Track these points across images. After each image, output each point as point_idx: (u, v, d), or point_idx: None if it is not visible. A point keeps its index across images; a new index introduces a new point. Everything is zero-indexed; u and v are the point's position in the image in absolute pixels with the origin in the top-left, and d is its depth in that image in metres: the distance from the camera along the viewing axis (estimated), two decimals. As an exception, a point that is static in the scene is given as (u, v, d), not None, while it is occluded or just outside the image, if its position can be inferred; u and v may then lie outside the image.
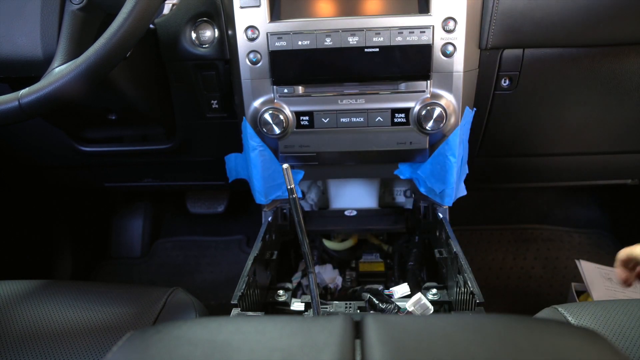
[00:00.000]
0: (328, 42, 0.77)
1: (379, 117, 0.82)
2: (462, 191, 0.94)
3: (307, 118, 0.83)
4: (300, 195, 0.99)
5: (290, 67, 0.79)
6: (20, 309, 0.74)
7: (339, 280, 1.11)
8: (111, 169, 1.19)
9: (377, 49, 0.77)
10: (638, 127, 0.93)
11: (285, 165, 0.68)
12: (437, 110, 0.80)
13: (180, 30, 0.84)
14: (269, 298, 0.82)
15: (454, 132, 0.83)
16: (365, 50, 0.77)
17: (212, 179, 1.19)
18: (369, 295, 0.81)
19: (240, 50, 0.79)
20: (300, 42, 0.77)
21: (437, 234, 0.94)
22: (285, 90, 0.82)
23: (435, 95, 0.80)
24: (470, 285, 0.69)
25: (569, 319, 0.68)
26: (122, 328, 0.72)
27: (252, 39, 0.78)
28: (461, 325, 0.35)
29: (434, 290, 0.82)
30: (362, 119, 0.83)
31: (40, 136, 1.03)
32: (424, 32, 0.76)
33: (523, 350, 0.32)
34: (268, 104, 0.82)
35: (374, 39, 0.76)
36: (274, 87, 0.82)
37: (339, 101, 0.82)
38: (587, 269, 1.12)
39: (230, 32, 0.82)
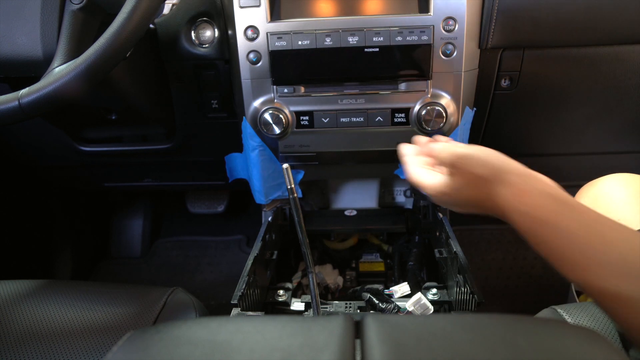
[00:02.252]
0: (328, 42, 0.77)
1: (379, 117, 0.82)
2: (462, 191, 0.94)
3: (307, 118, 0.83)
4: (300, 195, 0.99)
5: (290, 67, 0.79)
6: (20, 309, 0.74)
7: (339, 280, 1.11)
8: (111, 168, 1.19)
9: (377, 49, 0.77)
10: (638, 127, 0.93)
11: (285, 165, 0.68)
12: (437, 110, 0.80)
13: (180, 30, 0.84)
14: (269, 298, 0.82)
15: (454, 132, 0.83)
16: (365, 50, 0.77)
17: (212, 179, 1.19)
18: (369, 295, 0.81)
19: (240, 50, 0.79)
20: (300, 42, 0.77)
21: (437, 233, 0.93)
22: (285, 90, 0.82)
23: (435, 95, 0.80)
24: (470, 285, 0.69)
25: (568, 319, 0.68)
26: (122, 328, 0.72)
27: (252, 39, 0.78)
28: (461, 325, 0.35)
29: (434, 290, 0.82)
30: (362, 119, 0.83)
31: (40, 136, 1.03)
32: (423, 31, 0.76)
33: (523, 350, 0.32)
34: (268, 104, 0.82)
35: (374, 39, 0.76)
36: (274, 87, 0.82)
37: (339, 101, 0.82)
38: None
39: (230, 32, 0.82)
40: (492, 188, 0.52)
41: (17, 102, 0.62)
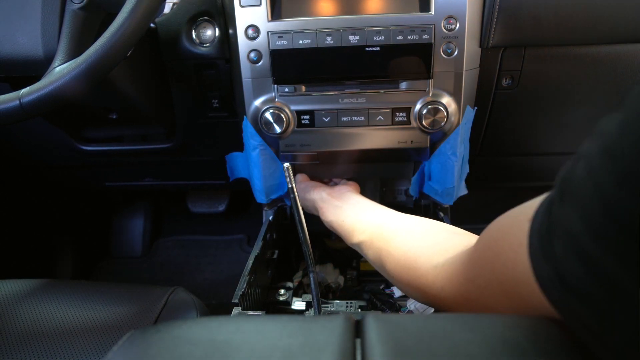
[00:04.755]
0: (329, 41, 0.77)
1: (379, 116, 0.82)
2: (463, 190, 0.94)
3: (307, 117, 0.83)
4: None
5: (291, 66, 0.79)
6: (20, 309, 0.74)
7: (340, 280, 1.11)
8: (112, 168, 1.19)
9: (378, 48, 0.77)
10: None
11: (286, 165, 0.68)
12: (438, 109, 0.80)
13: (180, 29, 0.84)
14: (270, 297, 0.82)
15: (455, 131, 0.83)
16: (366, 49, 0.77)
17: (212, 178, 1.19)
18: (369, 294, 0.81)
19: (240, 49, 0.79)
20: (300, 41, 0.77)
21: (438, 233, 0.93)
22: (286, 89, 0.82)
23: (436, 94, 0.80)
24: (471, 284, 0.68)
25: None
26: (123, 327, 0.72)
27: (252, 38, 0.78)
28: (461, 324, 0.35)
29: (435, 290, 0.82)
30: (362, 118, 0.83)
31: (40, 136, 1.03)
32: (424, 30, 0.76)
33: (524, 349, 0.32)
34: (269, 103, 0.82)
35: (375, 38, 0.76)
36: (275, 86, 0.82)
37: (340, 100, 0.82)
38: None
39: (230, 31, 0.82)
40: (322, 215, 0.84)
41: (17, 102, 0.62)
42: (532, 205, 0.33)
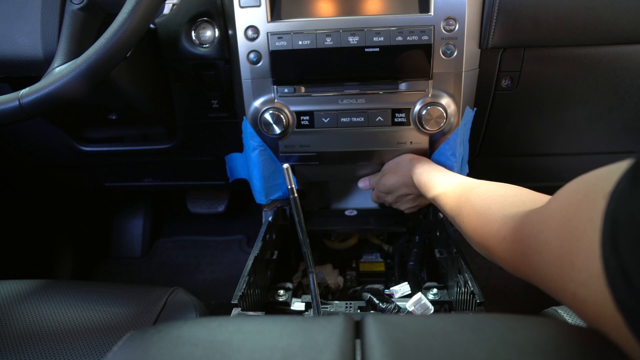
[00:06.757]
0: (328, 41, 0.77)
1: (379, 117, 0.82)
2: (463, 191, 0.94)
3: (307, 118, 0.83)
4: (297, 186, 1.00)
5: (291, 66, 0.79)
6: (20, 309, 0.74)
7: (339, 280, 1.11)
8: (112, 168, 1.19)
9: (378, 49, 0.77)
10: (638, 126, 0.93)
11: (285, 165, 0.68)
12: (438, 110, 0.80)
13: (180, 30, 0.84)
14: (270, 298, 0.82)
15: (454, 132, 0.83)
16: (366, 50, 0.77)
17: (212, 179, 1.19)
18: (369, 295, 0.81)
19: (240, 50, 0.79)
20: (300, 42, 0.77)
21: (438, 233, 0.93)
22: (286, 90, 0.82)
23: (435, 95, 0.80)
24: (470, 285, 0.69)
25: (568, 320, 0.68)
26: (123, 328, 0.72)
27: (252, 39, 0.78)
28: (461, 325, 0.35)
29: (435, 290, 0.82)
30: (362, 119, 0.83)
31: (40, 136, 1.03)
32: (424, 31, 0.76)
33: (523, 350, 0.32)
34: (268, 104, 0.82)
35: (374, 39, 0.76)
36: (274, 86, 0.82)
37: (340, 101, 0.82)
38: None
39: (230, 31, 0.82)
40: (406, 168, 0.85)
41: (17, 102, 0.62)
42: (611, 177, 0.30)
